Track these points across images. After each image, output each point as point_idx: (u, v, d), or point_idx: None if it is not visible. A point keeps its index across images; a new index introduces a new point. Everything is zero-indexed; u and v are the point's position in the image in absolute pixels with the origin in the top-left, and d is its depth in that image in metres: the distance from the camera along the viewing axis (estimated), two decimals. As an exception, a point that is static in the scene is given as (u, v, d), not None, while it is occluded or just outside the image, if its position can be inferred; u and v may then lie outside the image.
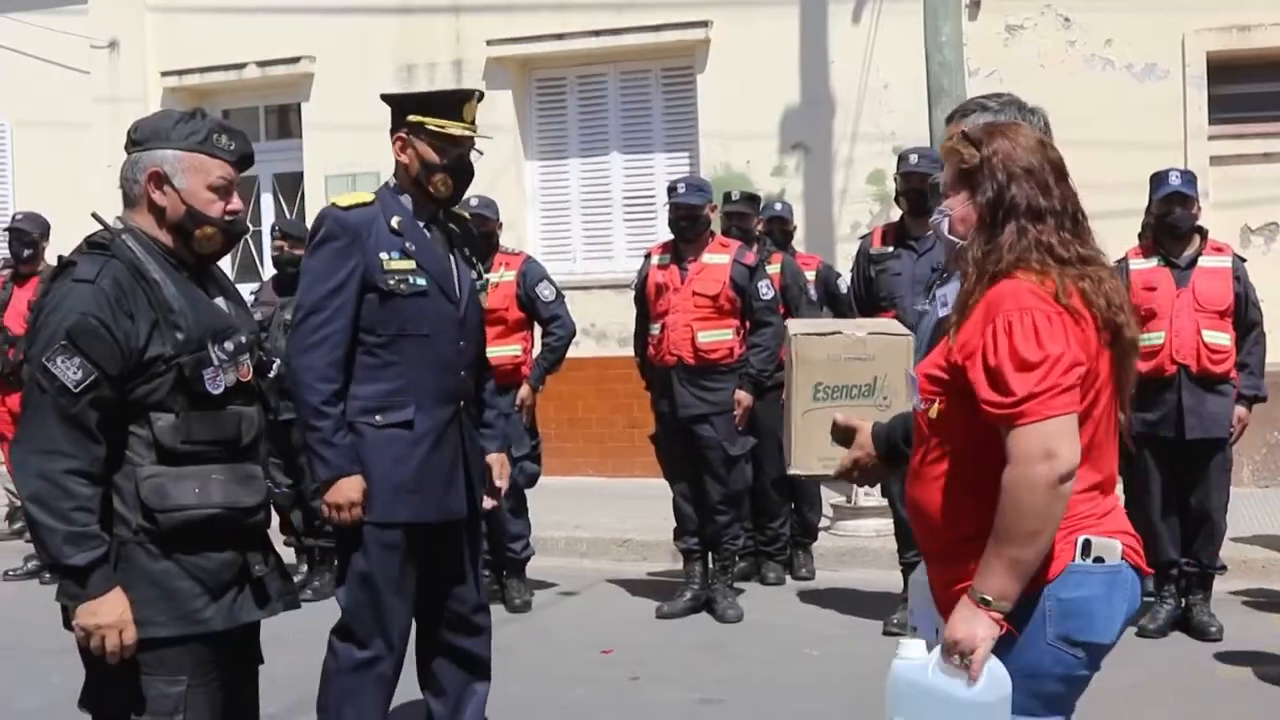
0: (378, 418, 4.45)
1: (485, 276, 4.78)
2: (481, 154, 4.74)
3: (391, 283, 4.44)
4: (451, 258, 4.61)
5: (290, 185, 13.82)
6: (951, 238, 3.03)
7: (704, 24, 12.10)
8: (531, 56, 12.80)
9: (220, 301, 3.44)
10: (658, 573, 8.81)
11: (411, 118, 4.53)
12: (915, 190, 7.07)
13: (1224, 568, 7.24)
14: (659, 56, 12.55)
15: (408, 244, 4.49)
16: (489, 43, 12.66)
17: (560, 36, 12.51)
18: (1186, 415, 6.80)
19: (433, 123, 4.48)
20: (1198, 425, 6.81)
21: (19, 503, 10.12)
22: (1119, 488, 3.24)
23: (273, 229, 8.90)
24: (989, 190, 2.94)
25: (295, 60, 13.31)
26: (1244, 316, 6.92)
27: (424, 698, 4.83)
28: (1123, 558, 2.92)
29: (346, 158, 13.01)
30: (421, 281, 4.47)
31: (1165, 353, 6.80)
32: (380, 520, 4.44)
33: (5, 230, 9.63)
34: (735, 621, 7.44)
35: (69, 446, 3.11)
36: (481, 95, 4.65)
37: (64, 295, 3.19)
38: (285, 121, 14.12)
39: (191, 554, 3.26)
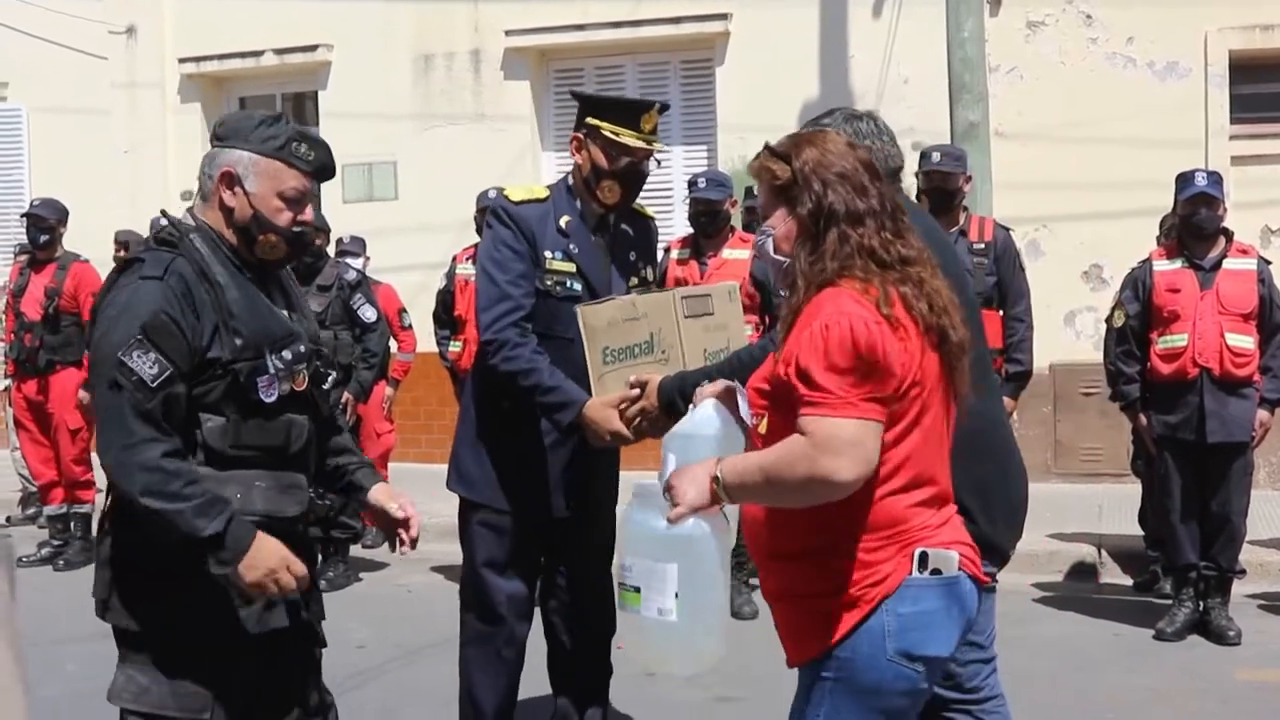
0: (505, 403, 4.47)
1: (649, 282, 4.72)
2: (659, 164, 4.70)
3: (549, 283, 4.44)
4: (612, 264, 4.58)
5: (306, 173, 13.78)
6: (778, 257, 3.02)
7: (723, 16, 12.05)
8: (550, 47, 12.76)
9: (283, 309, 3.40)
10: (671, 567, 8.78)
11: (590, 120, 4.49)
12: (937, 189, 7.04)
13: (1243, 571, 7.22)
14: (678, 48, 12.51)
15: (571, 246, 4.48)
16: (507, 33, 12.63)
17: (579, 27, 12.47)
18: (1208, 418, 6.77)
19: (608, 128, 4.43)
20: (1219, 429, 6.78)
21: (33, 487, 10.13)
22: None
23: (290, 218, 8.90)
24: (807, 201, 2.94)
25: (313, 48, 13.27)
26: (1268, 319, 6.87)
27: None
28: (960, 568, 2.93)
29: (363, 146, 12.98)
30: (577, 286, 4.46)
31: (1188, 355, 6.78)
32: (481, 502, 4.54)
33: (23, 216, 9.63)
34: (750, 618, 7.41)
35: (155, 434, 3.08)
36: (664, 108, 4.60)
37: (133, 292, 3.16)
38: (301, 109, 14.07)
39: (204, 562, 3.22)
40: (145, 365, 3.08)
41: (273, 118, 3.36)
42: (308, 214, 3.38)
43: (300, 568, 3.18)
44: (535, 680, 5.00)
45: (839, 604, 2.87)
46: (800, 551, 2.91)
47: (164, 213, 3.41)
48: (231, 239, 3.32)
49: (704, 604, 2.92)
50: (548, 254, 4.44)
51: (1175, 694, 6.12)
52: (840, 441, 2.71)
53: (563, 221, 4.49)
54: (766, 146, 3.09)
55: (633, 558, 2.94)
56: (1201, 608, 7.02)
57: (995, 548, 3.67)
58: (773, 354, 2.99)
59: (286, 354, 3.28)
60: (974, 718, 3.71)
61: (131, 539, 3.23)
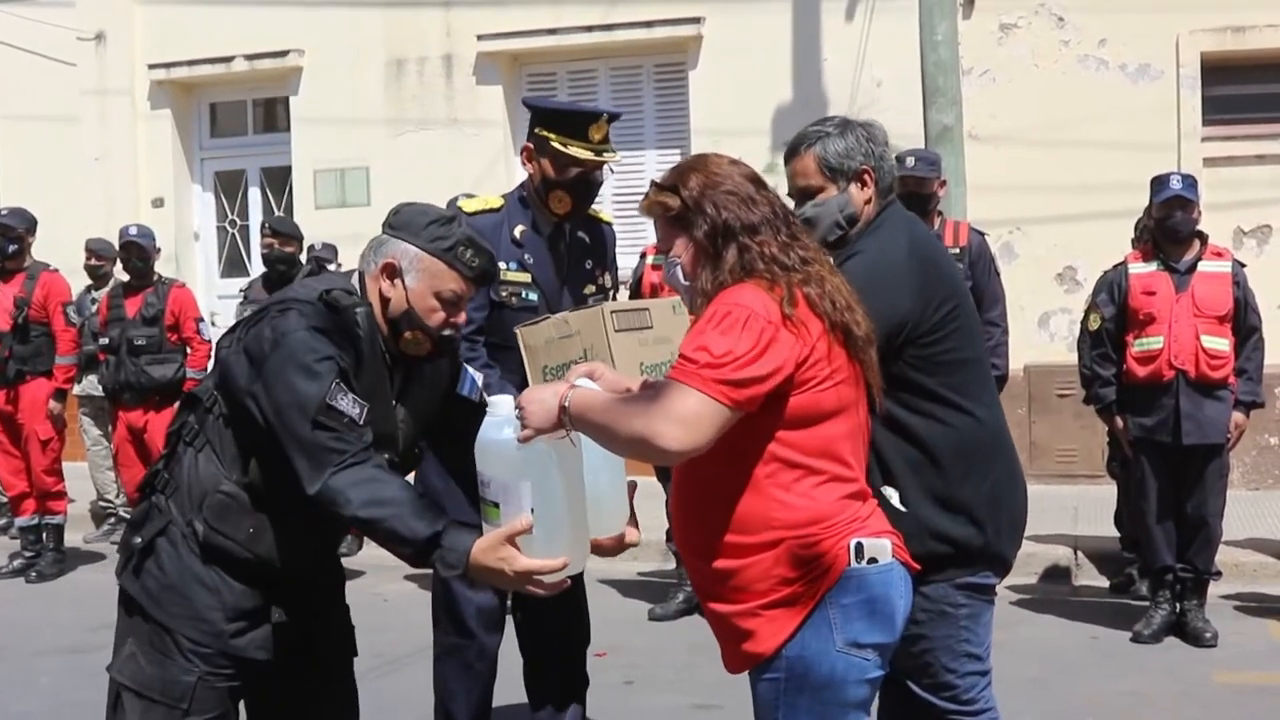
0: None
1: (605, 290, 4.69)
2: (613, 172, 4.67)
3: (504, 294, 4.43)
4: (566, 273, 4.56)
5: (278, 180, 13.74)
6: (686, 283, 3.09)
7: (696, 20, 12.05)
8: (522, 51, 12.74)
9: (398, 409, 3.39)
10: (649, 573, 8.77)
11: (538, 130, 4.47)
12: (912, 193, 7.01)
13: (1219, 573, 7.22)
14: (651, 52, 12.50)
15: (526, 256, 4.47)
16: (479, 37, 12.60)
17: (552, 31, 12.45)
18: (1184, 420, 6.77)
19: (556, 139, 4.42)
20: (1195, 431, 6.78)
21: (3, 499, 10.05)
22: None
23: (263, 226, 8.84)
24: (702, 224, 3.01)
25: (284, 54, 13.22)
26: (1243, 322, 6.88)
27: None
28: (893, 556, 2.98)
29: (335, 152, 12.95)
30: (533, 297, 4.45)
31: (1164, 357, 6.78)
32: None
33: (-9, 226, 9.52)
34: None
35: (362, 455, 3.08)
36: (613, 117, 4.55)
37: (311, 339, 3.13)
38: (273, 115, 14.01)
39: (224, 572, 3.26)
40: (349, 406, 3.09)
41: (447, 218, 3.35)
42: (461, 318, 3.36)
43: (525, 564, 2.99)
44: (514, 691, 4.97)
45: (779, 603, 2.92)
46: (731, 551, 2.95)
47: (350, 277, 3.40)
48: (382, 325, 3.31)
49: (557, 521, 2.99)
50: (502, 265, 4.40)
51: (1156, 699, 6.11)
52: (681, 411, 2.79)
53: (517, 231, 4.48)
54: (653, 183, 3.15)
55: (490, 473, 3.03)
56: (1178, 610, 7.02)
57: (999, 558, 3.66)
58: None
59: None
60: None
61: (161, 515, 3.27)
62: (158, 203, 13.68)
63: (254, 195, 13.94)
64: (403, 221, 3.34)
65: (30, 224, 9.27)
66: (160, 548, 3.25)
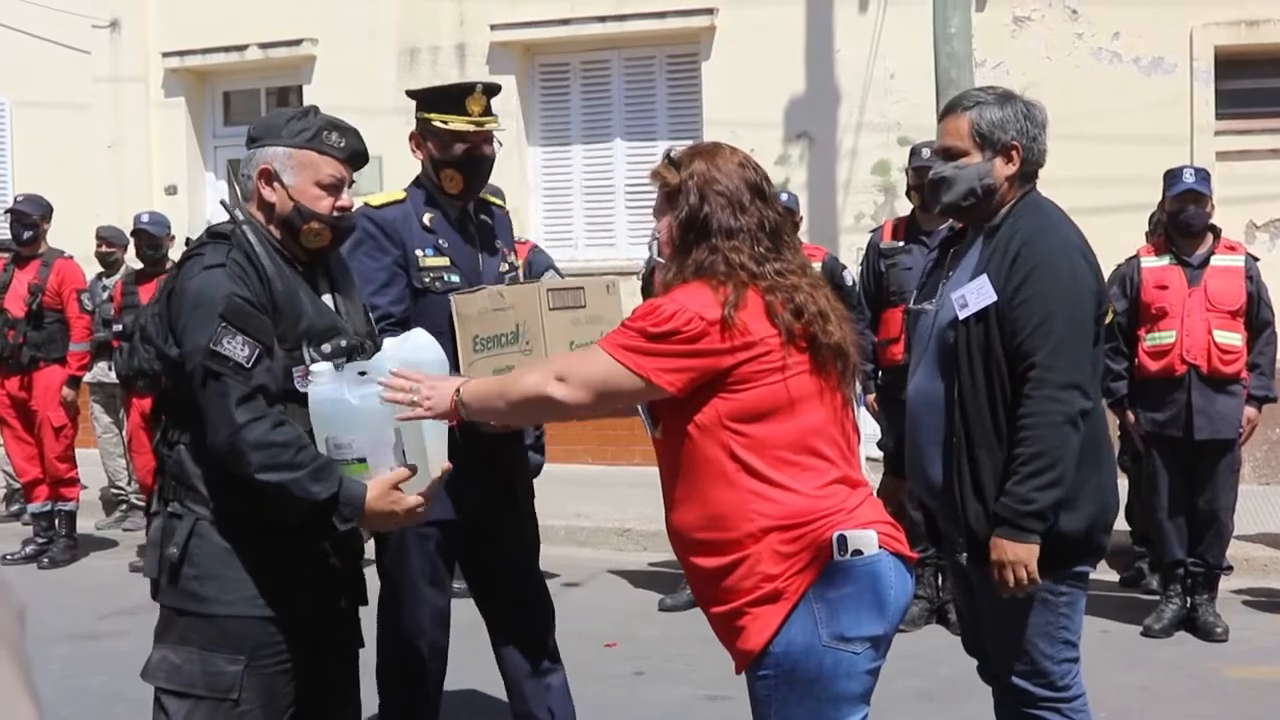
0: None
1: (516, 267, 4.71)
2: (502, 145, 4.66)
3: (427, 280, 4.39)
4: (480, 254, 4.56)
5: (291, 168, 13.73)
6: (660, 259, 3.13)
7: (709, 11, 12.04)
8: (535, 41, 12.73)
9: (329, 299, 3.46)
10: (658, 563, 8.79)
11: (420, 114, 4.48)
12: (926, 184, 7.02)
13: (1230, 568, 7.21)
14: (663, 43, 12.49)
15: (440, 241, 4.45)
16: (493, 27, 12.60)
17: (565, 22, 12.45)
18: (1196, 415, 6.76)
19: (436, 118, 4.43)
20: (1207, 425, 6.77)
21: (17, 485, 10.08)
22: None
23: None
24: (683, 211, 3.05)
25: (297, 42, 13.23)
26: (1256, 316, 6.87)
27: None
28: (881, 546, 2.97)
29: (348, 141, 12.92)
30: (455, 279, 4.41)
31: (1176, 352, 6.77)
32: None
33: (6, 212, 9.56)
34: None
35: (258, 412, 3.15)
36: (488, 88, 4.54)
37: (203, 284, 3.21)
38: (286, 104, 13.99)
39: (257, 544, 3.28)
40: (237, 349, 3.15)
41: (302, 111, 3.43)
42: (345, 199, 3.43)
43: (412, 501, 3.29)
44: (491, 678, 4.95)
45: (764, 600, 2.93)
46: (716, 549, 2.97)
47: (223, 203, 3.48)
48: (276, 233, 3.37)
49: (424, 463, 3.28)
50: (419, 252, 4.40)
51: (1166, 693, 6.11)
52: (570, 366, 2.98)
53: (426, 219, 4.46)
54: (667, 153, 3.20)
55: (348, 437, 3.22)
56: (1189, 604, 7.02)
57: (1097, 548, 3.76)
58: None
59: (326, 347, 3.32)
60: (1064, 715, 3.76)
61: (185, 520, 3.27)
62: (171, 190, 13.71)
63: (267, 183, 13.94)
64: (263, 129, 3.41)
65: (46, 210, 9.29)
66: (192, 549, 3.25)
